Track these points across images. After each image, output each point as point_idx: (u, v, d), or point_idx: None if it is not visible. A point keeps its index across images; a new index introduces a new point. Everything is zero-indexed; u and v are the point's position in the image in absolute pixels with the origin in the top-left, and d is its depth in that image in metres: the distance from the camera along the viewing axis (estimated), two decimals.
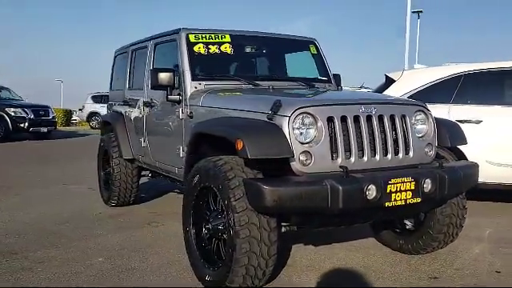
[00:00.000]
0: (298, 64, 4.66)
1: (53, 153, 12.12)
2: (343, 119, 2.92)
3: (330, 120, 2.89)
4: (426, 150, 3.22)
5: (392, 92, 5.53)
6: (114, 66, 5.97)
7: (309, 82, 4.27)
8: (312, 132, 2.84)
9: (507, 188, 5.25)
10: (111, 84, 6.03)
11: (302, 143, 2.81)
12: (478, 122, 5.14)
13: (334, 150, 2.88)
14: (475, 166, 3.37)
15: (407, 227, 3.83)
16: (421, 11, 26.68)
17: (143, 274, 3.36)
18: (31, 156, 11.18)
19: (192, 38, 3.99)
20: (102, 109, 23.04)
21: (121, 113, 5.35)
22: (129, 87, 5.25)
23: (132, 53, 5.21)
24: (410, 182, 2.87)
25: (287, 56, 4.66)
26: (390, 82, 5.90)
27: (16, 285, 3.18)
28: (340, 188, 2.62)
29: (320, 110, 2.89)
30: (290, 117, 2.79)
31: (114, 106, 5.68)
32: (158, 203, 5.76)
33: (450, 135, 3.41)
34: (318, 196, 2.62)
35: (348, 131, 2.92)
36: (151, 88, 4.01)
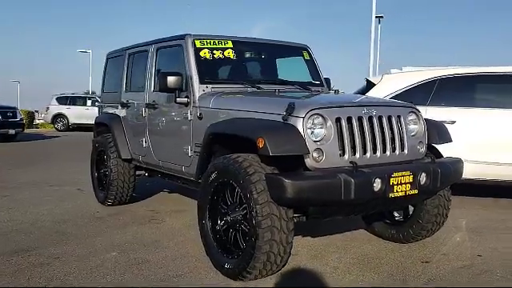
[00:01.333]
0: (292, 68, 4.98)
1: (26, 155, 11.95)
2: (349, 120, 3.24)
3: (338, 120, 3.21)
4: (418, 147, 3.59)
5: (373, 95, 5.93)
6: (106, 68, 6.10)
7: (305, 86, 4.59)
8: (323, 131, 3.15)
9: (479, 183, 5.74)
10: (103, 86, 6.15)
11: (314, 141, 3.11)
12: (452, 122, 5.59)
13: (341, 147, 3.20)
14: (461, 161, 3.77)
15: (396, 218, 4.23)
16: (381, 16, 27.62)
17: (161, 266, 3.56)
18: (5, 158, 11.00)
19: (198, 44, 4.22)
20: (68, 110, 22.63)
21: (117, 114, 5.49)
22: (126, 89, 5.40)
23: (129, 56, 5.36)
24: (409, 175, 3.22)
25: (283, 61, 4.96)
26: (370, 85, 6.31)
27: (33, 282, 3.32)
28: (352, 181, 2.94)
29: (329, 111, 3.21)
30: (303, 118, 3.09)
31: (108, 107, 5.81)
32: (152, 202, 5.92)
33: (437, 134, 3.79)
34: (333, 188, 2.93)
35: (353, 130, 3.25)
36: (159, 91, 4.20)
